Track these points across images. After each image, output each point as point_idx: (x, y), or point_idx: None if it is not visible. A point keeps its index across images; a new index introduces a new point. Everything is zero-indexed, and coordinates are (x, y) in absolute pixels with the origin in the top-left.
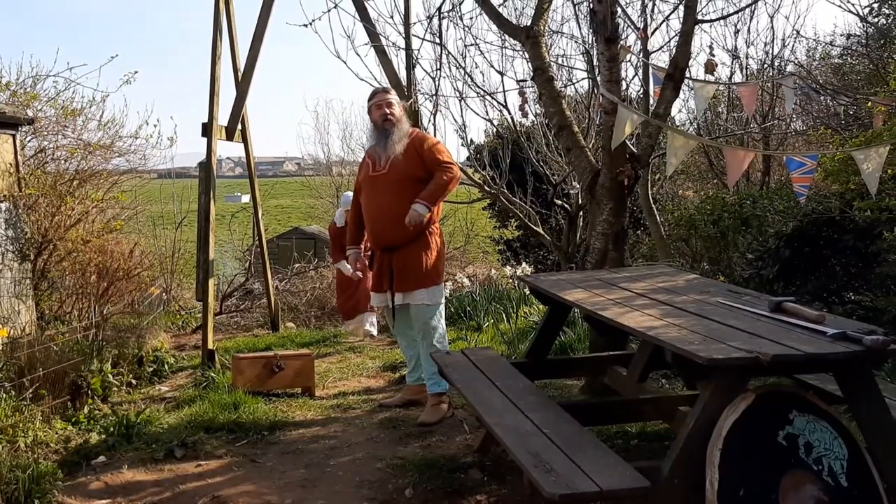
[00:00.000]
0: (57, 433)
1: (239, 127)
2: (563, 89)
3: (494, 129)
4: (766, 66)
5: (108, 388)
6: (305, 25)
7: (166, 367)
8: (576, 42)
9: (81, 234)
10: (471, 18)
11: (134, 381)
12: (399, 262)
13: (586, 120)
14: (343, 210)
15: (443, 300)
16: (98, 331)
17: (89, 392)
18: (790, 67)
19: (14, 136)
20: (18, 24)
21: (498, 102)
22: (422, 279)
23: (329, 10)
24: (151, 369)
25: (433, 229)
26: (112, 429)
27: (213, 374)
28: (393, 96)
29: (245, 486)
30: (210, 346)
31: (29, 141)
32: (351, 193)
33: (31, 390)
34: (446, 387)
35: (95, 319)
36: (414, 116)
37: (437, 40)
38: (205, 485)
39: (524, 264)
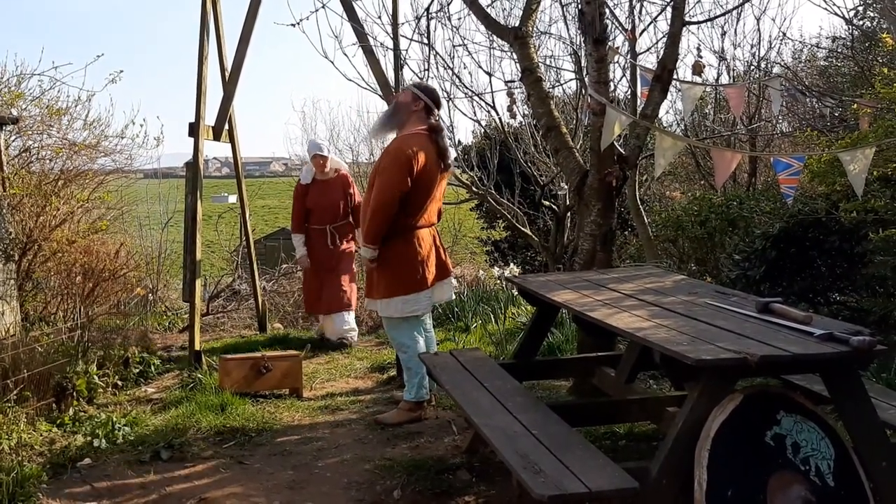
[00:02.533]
0: (41, 435)
1: (226, 127)
2: (551, 90)
3: (482, 130)
4: (752, 67)
5: (93, 389)
6: (293, 25)
7: (152, 368)
8: (564, 43)
9: (67, 234)
10: (459, 19)
11: (120, 383)
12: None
13: (574, 121)
14: (312, 160)
15: (401, 315)
16: (83, 332)
17: (74, 394)
18: (776, 69)
19: None
20: (5, 25)
21: (486, 103)
22: (373, 290)
23: (317, 10)
24: (137, 371)
25: (391, 242)
26: (98, 431)
27: (199, 376)
28: (398, 95)
29: (232, 487)
30: (197, 347)
31: (13, 140)
32: (319, 141)
33: (15, 392)
34: (413, 397)
35: (81, 320)
36: None
37: (426, 41)
38: (192, 487)
39: (512, 265)
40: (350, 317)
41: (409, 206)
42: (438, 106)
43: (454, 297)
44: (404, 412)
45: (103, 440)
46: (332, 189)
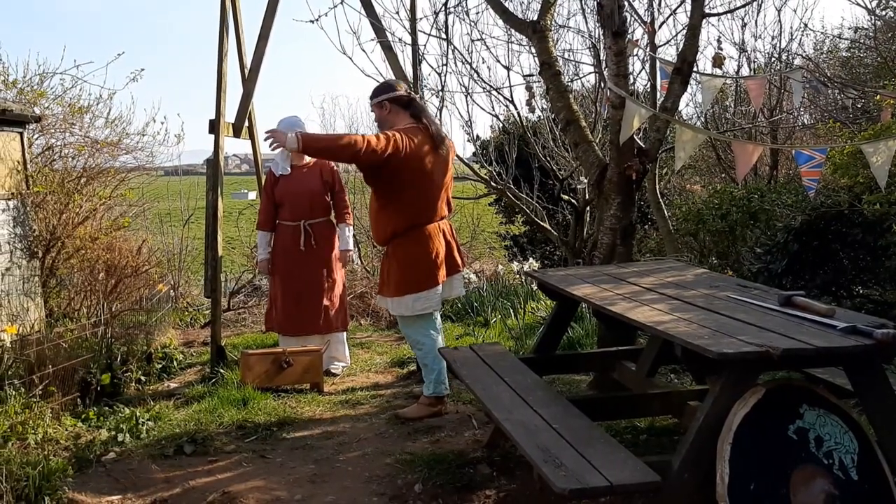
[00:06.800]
0: (67, 430)
1: (246, 124)
2: (570, 84)
3: (501, 125)
4: (773, 59)
5: (117, 384)
6: (312, 22)
7: (175, 363)
8: (582, 36)
9: (89, 231)
10: (477, 13)
11: (143, 378)
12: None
13: (593, 114)
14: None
15: (412, 313)
16: (107, 328)
17: (99, 389)
18: (798, 61)
19: (21, 133)
20: (24, 24)
21: (504, 97)
22: (384, 288)
23: (335, 6)
24: (160, 366)
25: (400, 241)
26: (122, 425)
27: (221, 371)
28: (374, 99)
29: (254, 481)
30: (219, 342)
31: (36, 139)
32: (296, 117)
33: (40, 387)
34: (432, 392)
35: (104, 316)
36: None
37: (443, 35)
38: (214, 480)
39: (531, 260)
40: (342, 344)
41: (416, 202)
42: (394, 88)
43: (464, 292)
44: (424, 407)
45: (127, 435)
46: (309, 176)
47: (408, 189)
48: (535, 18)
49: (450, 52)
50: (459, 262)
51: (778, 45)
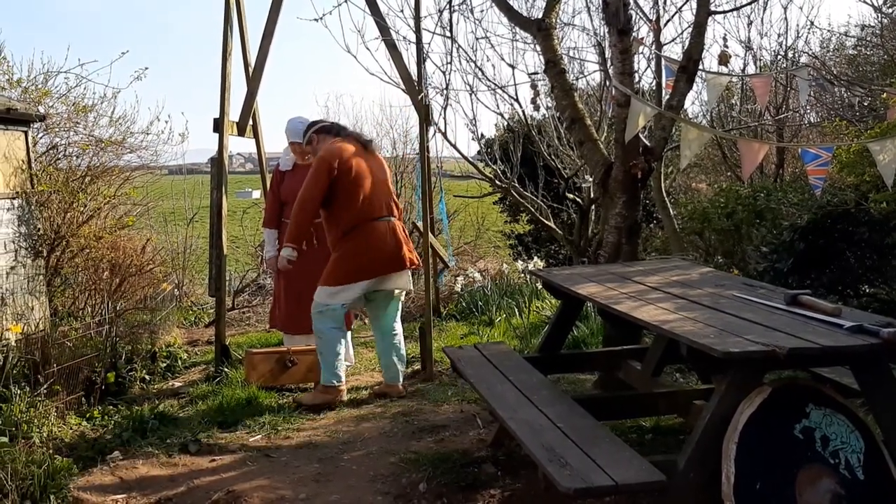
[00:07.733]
0: (71, 429)
1: (250, 122)
2: (575, 82)
3: (505, 123)
4: (779, 57)
5: (121, 383)
6: (316, 20)
7: (179, 362)
8: (587, 34)
9: (94, 230)
10: (481, 11)
11: (147, 377)
12: None
13: (599, 113)
14: (290, 147)
15: (334, 303)
16: (111, 327)
17: (103, 388)
18: (804, 59)
19: (26, 132)
20: (24, 24)
21: (509, 96)
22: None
23: (339, 5)
24: (165, 365)
25: (348, 237)
26: (126, 424)
27: (226, 370)
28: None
29: (259, 480)
30: (223, 341)
31: (41, 137)
32: (302, 120)
33: (45, 386)
34: (324, 381)
35: (108, 315)
36: (424, 111)
37: (448, 34)
38: (219, 479)
39: (536, 259)
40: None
41: (357, 201)
42: (318, 122)
43: (411, 287)
44: (318, 394)
45: (132, 433)
46: None
47: (348, 190)
48: (539, 16)
49: (454, 50)
50: (409, 259)
51: (784, 42)
